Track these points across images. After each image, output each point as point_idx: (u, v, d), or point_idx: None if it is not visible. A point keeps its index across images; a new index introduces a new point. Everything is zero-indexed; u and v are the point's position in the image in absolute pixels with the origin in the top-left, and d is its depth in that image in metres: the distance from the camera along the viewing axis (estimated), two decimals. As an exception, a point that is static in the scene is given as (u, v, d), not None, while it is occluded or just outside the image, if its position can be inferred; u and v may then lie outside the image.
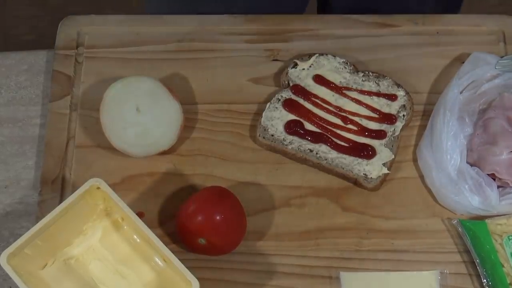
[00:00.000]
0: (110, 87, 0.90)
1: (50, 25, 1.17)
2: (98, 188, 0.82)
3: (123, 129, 0.89)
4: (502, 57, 0.95)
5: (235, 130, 0.94)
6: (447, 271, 0.87)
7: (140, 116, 0.89)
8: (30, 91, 0.98)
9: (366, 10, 1.02)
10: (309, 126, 0.92)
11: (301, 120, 0.92)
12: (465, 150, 0.90)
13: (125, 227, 0.86)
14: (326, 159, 0.90)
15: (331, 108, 0.93)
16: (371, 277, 0.87)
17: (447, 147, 0.88)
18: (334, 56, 0.96)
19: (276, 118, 0.92)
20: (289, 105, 0.93)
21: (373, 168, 0.90)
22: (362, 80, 0.95)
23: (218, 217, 0.83)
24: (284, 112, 0.93)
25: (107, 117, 0.89)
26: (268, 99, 0.95)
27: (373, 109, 0.93)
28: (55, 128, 0.94)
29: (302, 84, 0.94)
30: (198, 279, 0.78)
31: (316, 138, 0.91)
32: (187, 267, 0.79)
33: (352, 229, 0.89)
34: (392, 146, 0.91)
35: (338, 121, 0.92)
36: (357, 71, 0.96)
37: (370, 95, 0.94)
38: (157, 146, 0.90)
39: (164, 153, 0.91)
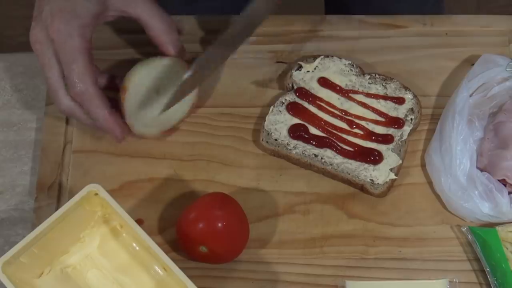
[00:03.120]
0: (133, 69, 0.89)
1: (47, 26, 1.15)
2: (96, 194, 0.82)
3: (144, 112, 0.88)
4: (512, 59, 0.95)
5: (237, 134, 0.94)
6: (457, 280, 0.86)
7: (160, 98, 0.88)
8: (26, 94, 0.97)
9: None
10: (313, 131, 0.91)
11: (306, 124, 0.91)
12: (475, 155, 0.90)
13: (123, 234, 0.85)
14: (331, 164, 0.89)
15: (336, 112, 0.92)
16: (378, 286, 0.86)
17: (457, 152, 0.88)
18: (340, 58, 0.95)
19: (279, 122, 0.91)
20: (293, 108, 0.92)
21: (380, 174, 0.89)
22: (369, 83, 0.94)
23: (219, 225, 0.83)
24: (288, 116, 0.92)
25: (130, 102, 0.88)
26: (272, 103, 0.94)
27: (380, 113, 0.92)
28: (51, 132, 0.93)
29: (307, 87, 0.93)
30: (199, 288, 0.78)
31: (321, 142, 0.90)
32: (187, 276, 0.78)
33: (358, 237, 0.89)
34: (400, 151, 0.90)
35: (343, 125, 0.92)
36: (364, 74, 0.95)
37: (377, 98, 0.93)
38: (170, 121, 0.90)
39: (171, 130, 0.91)
